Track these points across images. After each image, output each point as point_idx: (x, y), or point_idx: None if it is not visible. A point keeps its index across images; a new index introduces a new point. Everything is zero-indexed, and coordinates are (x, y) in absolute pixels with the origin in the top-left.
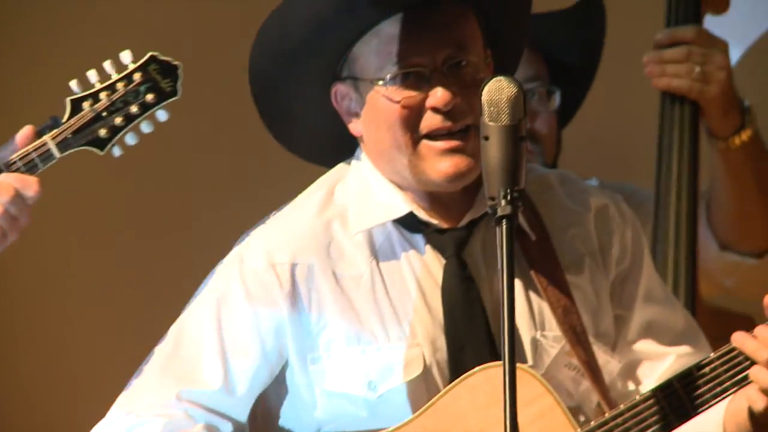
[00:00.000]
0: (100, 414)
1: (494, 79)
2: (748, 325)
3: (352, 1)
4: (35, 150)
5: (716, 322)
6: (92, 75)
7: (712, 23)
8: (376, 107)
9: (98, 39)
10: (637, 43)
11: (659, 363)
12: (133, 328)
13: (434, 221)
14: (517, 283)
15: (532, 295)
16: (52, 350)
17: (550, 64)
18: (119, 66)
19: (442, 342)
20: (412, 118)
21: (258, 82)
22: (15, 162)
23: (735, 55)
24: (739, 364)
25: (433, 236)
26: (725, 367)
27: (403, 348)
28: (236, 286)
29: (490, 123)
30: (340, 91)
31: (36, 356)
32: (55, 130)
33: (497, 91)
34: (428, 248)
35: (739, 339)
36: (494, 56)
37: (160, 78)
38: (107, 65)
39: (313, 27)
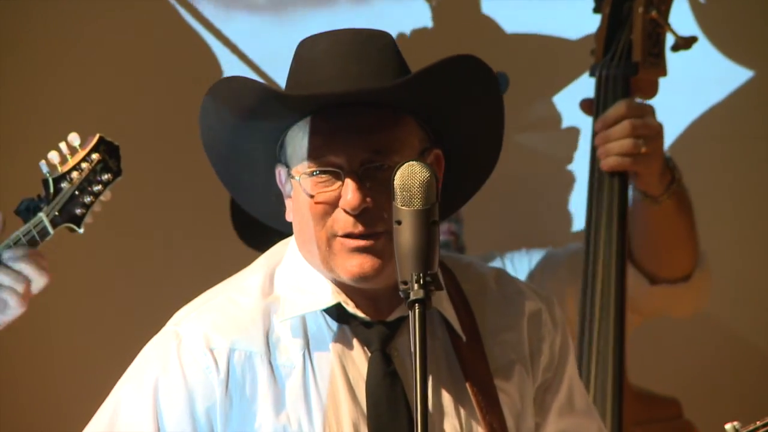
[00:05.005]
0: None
1: (407, 164)
2: (675, 409)
3: (271, 98)
4: (34, 227)
5: (642, 406)
6: (54, 156)
7: None
8: (298, 199)
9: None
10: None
11: None
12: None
13: (361, 314)
14: (446, 385)
15: (461, 398)
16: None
17: None
18: (71, 147)
19: None
20: (327, 214)
21: (211, 153)
22: (20, 239)
23: None
24: None
25: (360, 329)
26: None
27: None
28: (173, 368)
29: (403, 207)
30: (282, 173)
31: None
32: (46, 208)
33: (410, 176)
34: (355, 341)
35: None
36: (467, 155)
37: (108, 158)
38: (63, 146)
39: (242, 115)
